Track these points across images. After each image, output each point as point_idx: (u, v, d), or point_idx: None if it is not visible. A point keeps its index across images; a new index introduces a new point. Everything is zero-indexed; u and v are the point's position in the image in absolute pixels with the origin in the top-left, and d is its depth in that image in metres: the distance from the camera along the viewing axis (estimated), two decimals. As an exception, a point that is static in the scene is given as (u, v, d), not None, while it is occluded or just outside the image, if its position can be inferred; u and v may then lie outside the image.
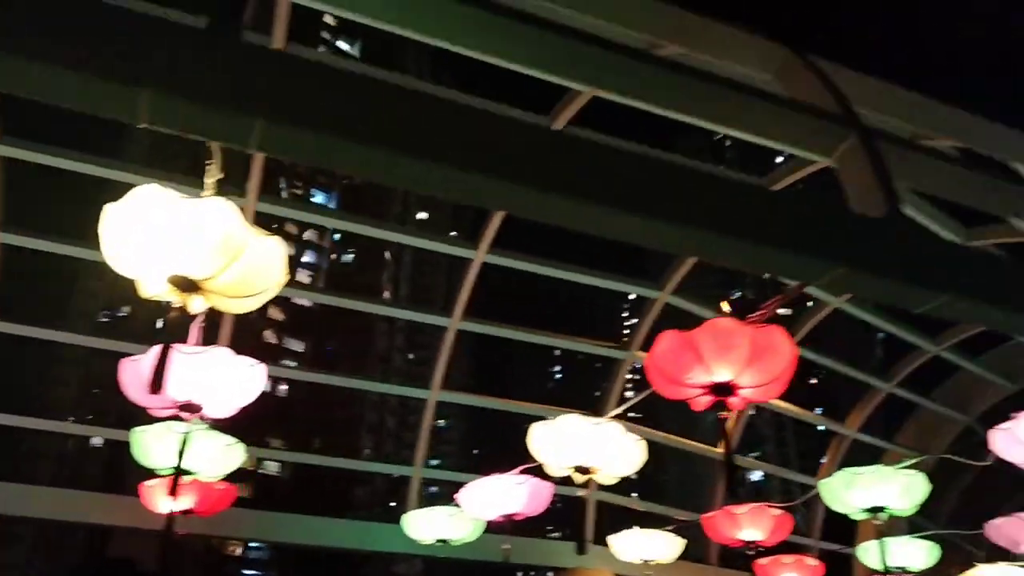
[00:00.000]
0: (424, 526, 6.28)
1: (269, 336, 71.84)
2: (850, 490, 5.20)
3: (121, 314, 61.52)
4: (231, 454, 4.93)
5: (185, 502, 5.56)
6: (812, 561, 7.56)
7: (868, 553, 7.02)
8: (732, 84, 3.30)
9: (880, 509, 5.19)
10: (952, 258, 2.98)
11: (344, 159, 2.64)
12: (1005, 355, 9.63)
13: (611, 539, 7.04)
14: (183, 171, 6.92)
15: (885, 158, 3.07)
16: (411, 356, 74.77)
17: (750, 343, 3.38)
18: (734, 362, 3.42)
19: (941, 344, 9.18)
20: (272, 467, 69.50)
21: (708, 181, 2.74)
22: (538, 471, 5.02)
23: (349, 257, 77.61)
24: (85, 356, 57.29)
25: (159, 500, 5.56)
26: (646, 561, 6.93)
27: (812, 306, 8.61)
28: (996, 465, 5.22)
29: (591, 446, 4.37)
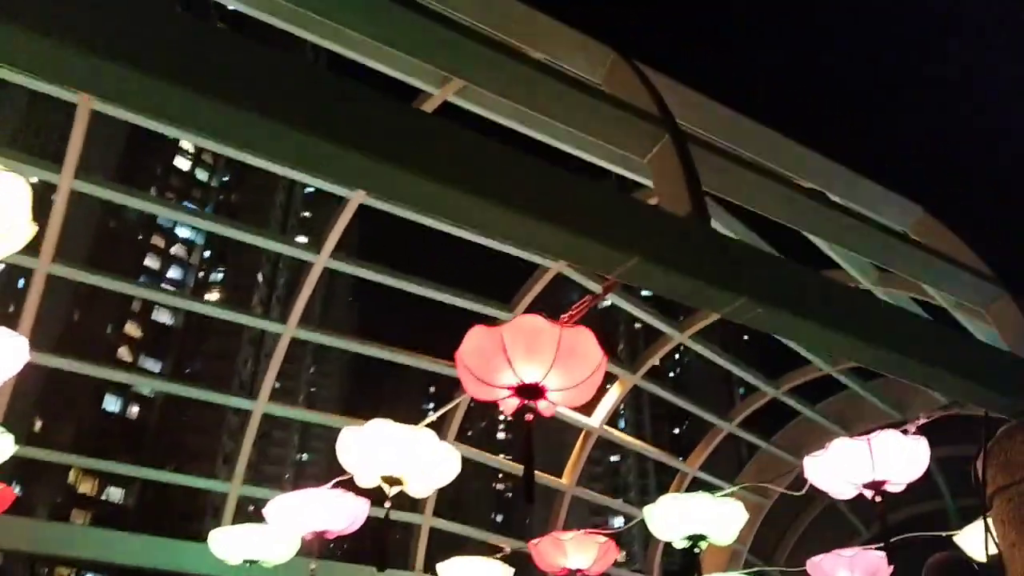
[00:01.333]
0: (231, 545, 5.79)
1: (123, 354, 67.73)
2: (670, 517, 5.17)
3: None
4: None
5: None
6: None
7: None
8: (557, 74, 3.22)
9: (701, 537, 5.19)
10: (752, 263, 2.96)
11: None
12: (840, 402, 10.09)
13: (441, 567, 6.74)
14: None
15: (695, 162, 3.04)
16: (277, 385, 71.96)
17: (558, 344, 3.25)
18: (541, 363, 3.27)
19: (781, 388, 9.51)
20: (116, 494, 64.88)
21: (509, 157, 2.59)
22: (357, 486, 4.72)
23: (218, 276, 74.58)
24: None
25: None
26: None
27: (656, 341, 8.74)
28: (811, 495, 5.36)
29: (402, 455, 4.11)
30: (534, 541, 5.98)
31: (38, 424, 58.29)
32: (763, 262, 3.06)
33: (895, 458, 4.27)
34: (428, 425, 4.34)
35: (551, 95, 3.06)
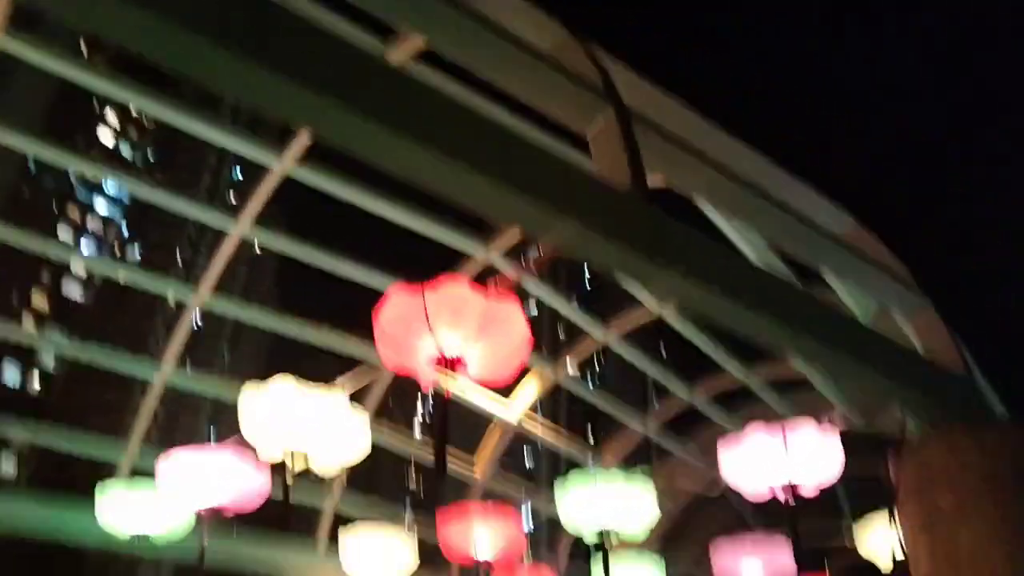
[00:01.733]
0: (120, 515, 5.41)
1: (29, 325, 64.49)
2: (580, 508, 5.06)
3: None
4: None
5: None
6: (549, 574, 7.52)
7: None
8: (510, 37, 3.09)
9: (611, 531, 5.10)
10: (688, 242, 2.88)
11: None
12: (757, 414, 10.22)
13: (343, 541, 6.50)
14: None
15: (637, 139, 2.95)
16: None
17: (482, 313, 3.10)
18: (464, 333, 3.12)
19: (694, 394, 9.58)
20: (7, 468, 61.33)
21: (458, 109, 2.45)
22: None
23: (135, 255, 71.74)
24: None
25: None
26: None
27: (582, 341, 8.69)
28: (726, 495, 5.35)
29: (308, 424, 3.88)
30: (440, 516, 5.83)
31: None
32: (699, 243, 2.98)
33: (811, 455, 4.24)
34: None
35: (496, 56, 2.93)
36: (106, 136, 69.85)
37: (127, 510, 5.39)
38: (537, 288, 7.32)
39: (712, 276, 2.78)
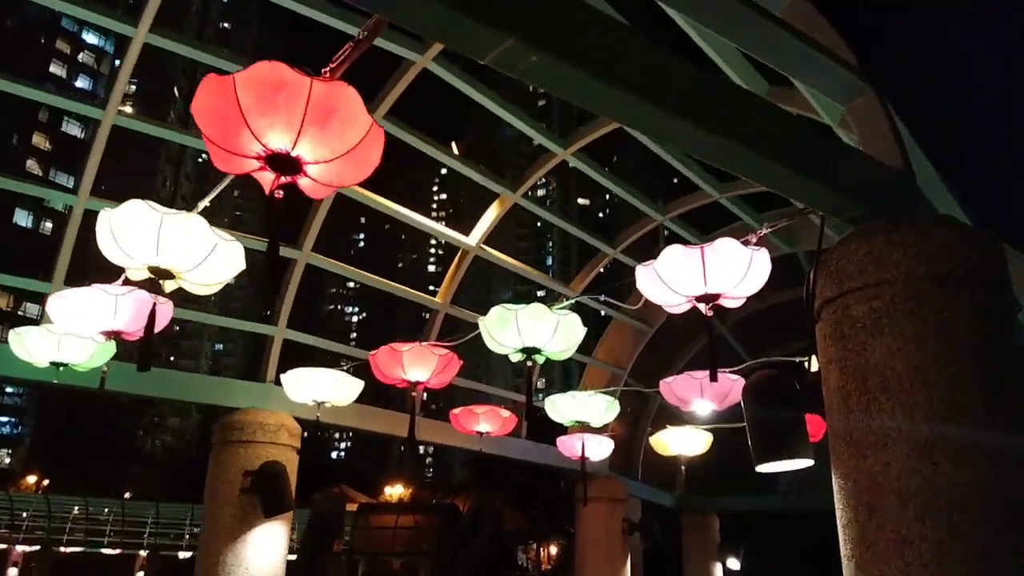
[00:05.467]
0: (33, 346, 5.27)
1: (32, 167, 64.18)
2: (504, 329, 4.83)
3: None
4: None
5: None
6: (505, 412, 7.44)
7: (554, 406, 6.96)
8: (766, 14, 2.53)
9: (535, 351, 4.90)
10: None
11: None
12: (734, 232, 9.88)
13: (284, 377, 6.40)
14: None
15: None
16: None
17: (307, 101, 2.64)
18: (288, 126, 2.67)
19: (667, 214, 9.19)
20: (33, 310, 63.32)
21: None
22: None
23: (131, 87, 69.71)
24: None
25: None
26: (319, 403, 6.39)
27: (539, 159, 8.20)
28: (697, 325, 5.07)
29: (169, 242, 3.54)
30: (372, 352, 5.62)
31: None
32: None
33: (732, 269, 3.93)
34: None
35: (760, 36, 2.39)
36: (56, 69, 66.09)
37: (39, 341, 5.23)
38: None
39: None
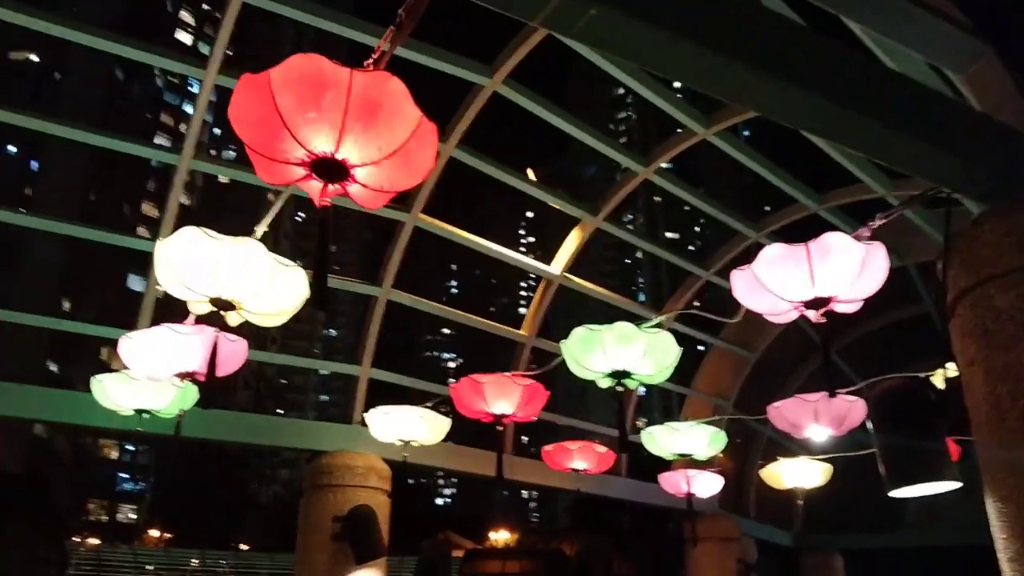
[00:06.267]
0: (119, 393, 5.22)
1: (143, 233, 68.01)
2: (589, 352, 4.45)
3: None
4: None
5: None
6: (601, 448, 7.00)
7: (652, 439, 6.49)
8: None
9: (625, 374, 4.50)
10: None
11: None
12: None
13: (368, 416, 6.18)
14: None
15: None
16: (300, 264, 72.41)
17: (348, 96, 2.40)
18: (329, 125, 2.44)
19: (761, 231, 8.63)
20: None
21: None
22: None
23: (231, 154, 73.46)
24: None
25: None
26: (405, 442, 6.14)
27: (620, 178, 7.83)
28: (806, 350, 4.62)
29: (227, 271, 3.36)
30: (453, 384, 5.34)
31: (66, 304, 59.19)
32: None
33: (843, 268, 3.45)
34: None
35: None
36: (184, 36, 70.44)
37: (121, 389, 5.19)
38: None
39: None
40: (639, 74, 6.12)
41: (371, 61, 2.65)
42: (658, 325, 4.50)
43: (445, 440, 6.26)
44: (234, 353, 4.43)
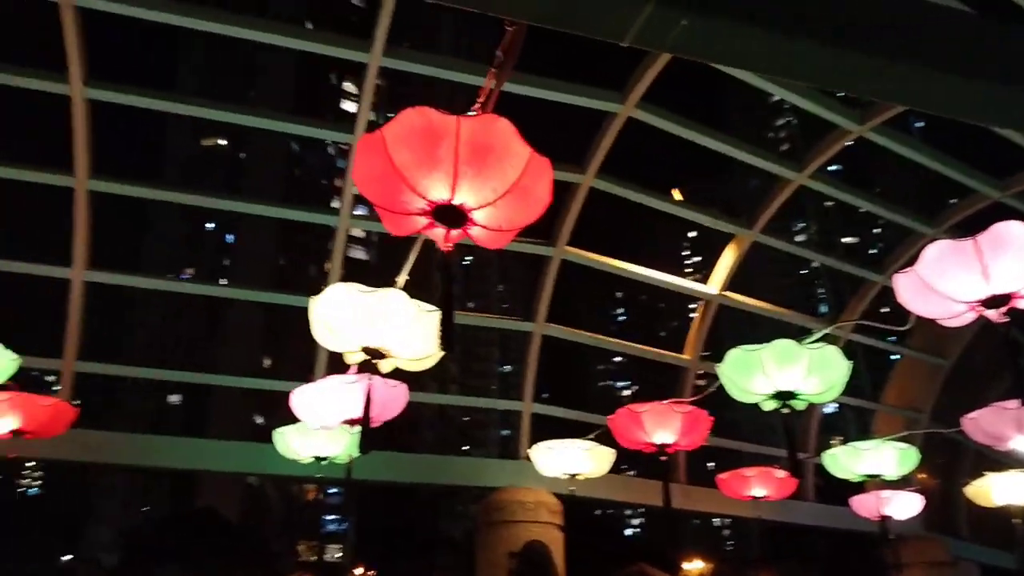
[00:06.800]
0: (298, 443, 5.58)
1: (329, 290, 72.73)
2: (748, 375, 4.24)
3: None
4: None
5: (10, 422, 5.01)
6: (780, 473, 6.62)
7: (835, 461, 6.04)
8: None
9: (791, 395, 4.23)
10: None
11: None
12: None
13: (532, 452, 6.21)
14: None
15: None
16: (471, 305, 74.54)
17: (457, 141, 2.45)
18: (443, 173, 2.49)
19: (939, 227, 7.91)
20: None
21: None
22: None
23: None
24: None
25: None
26: (571, 475, 6.10)
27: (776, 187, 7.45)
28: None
29: (372, 320, 3.51)
30: (610, 416, 5.25)
31: (267, 361, 63.91)
32: None
33: (1022, 259, 3.09)
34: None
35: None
36: (349, 106, 75.28)
37: (300, 438, 5.54)
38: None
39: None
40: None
41: (477, 105, 2.69)
42: (827, 338, 4.19)
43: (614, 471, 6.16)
44: (394, 398, 4.61)
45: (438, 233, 2.70)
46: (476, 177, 2.50)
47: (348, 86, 69.79)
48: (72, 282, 6.19)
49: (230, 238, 65.29)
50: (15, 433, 4.98)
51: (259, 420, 59.57)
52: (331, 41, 6.03)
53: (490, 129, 2.46)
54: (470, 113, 2.55)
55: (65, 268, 6.17)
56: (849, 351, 4.86)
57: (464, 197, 2.54)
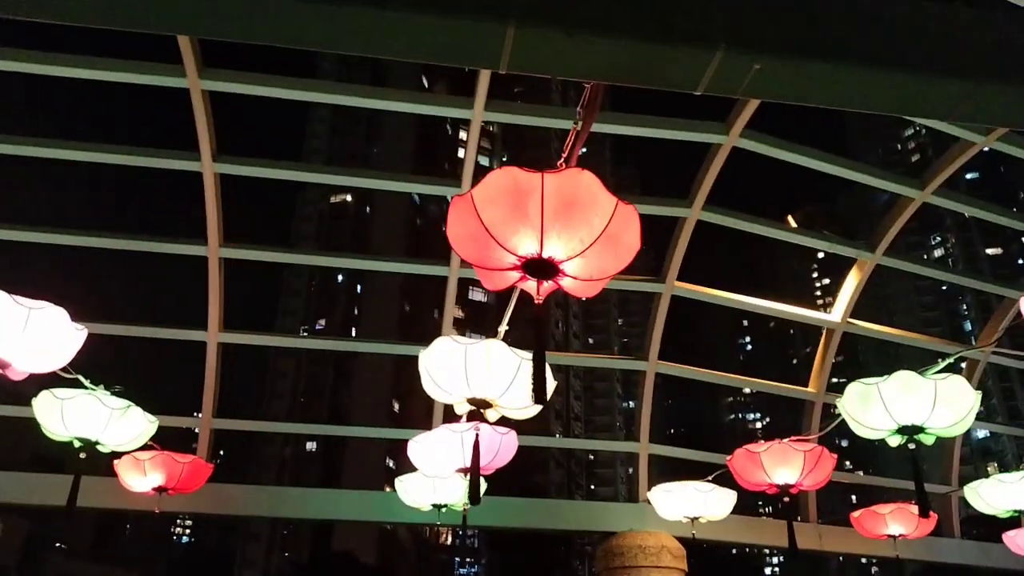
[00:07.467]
0: (417, 491, 5.72)
1: (452, 333, 74.30)
2: (868, 409, 4.04)
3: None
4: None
5: (154, 480, 5.41)
6: (915, 509, 6.21)
7: (977, 495, 5.62)
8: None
9: (917, 429, 3.99)
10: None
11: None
12: None
13: (651, 495, 6.11)
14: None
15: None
16: (591, 341, 74.07)
17: (543, 196, 2.52)
18: (531, 228, 2.56)
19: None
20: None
21: None
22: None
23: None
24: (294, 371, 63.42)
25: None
26: (692, 519, 5.95)
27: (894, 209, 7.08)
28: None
29: (475, 372, 3.60)
30: (729, 457, 5.10)
31: (396, 406, 65.63)
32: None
33: None
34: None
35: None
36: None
37: (420, 487, 5.68)
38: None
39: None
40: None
41: (561, 160, 2.76)
42: (961, 362, 3.94)
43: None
44: (506, 445, 4.68)
45: (531, 285, 2.77)
46: (563, 230, 2.56)
47: (463, 135, 71.90)
48: (208, 344, 6.65)
49: (359, 288, 67.98)
50: (158, 490, 5.40)
51: (391, 463, 61.06)
52: (436, 101, 6.29)
53: (574, 182, 2.52)
54: (555, 168, 2.63)
55: (202, 331, 6.63)
56: (996, 373, 4.53)
57: (553, 250, 2.60)
